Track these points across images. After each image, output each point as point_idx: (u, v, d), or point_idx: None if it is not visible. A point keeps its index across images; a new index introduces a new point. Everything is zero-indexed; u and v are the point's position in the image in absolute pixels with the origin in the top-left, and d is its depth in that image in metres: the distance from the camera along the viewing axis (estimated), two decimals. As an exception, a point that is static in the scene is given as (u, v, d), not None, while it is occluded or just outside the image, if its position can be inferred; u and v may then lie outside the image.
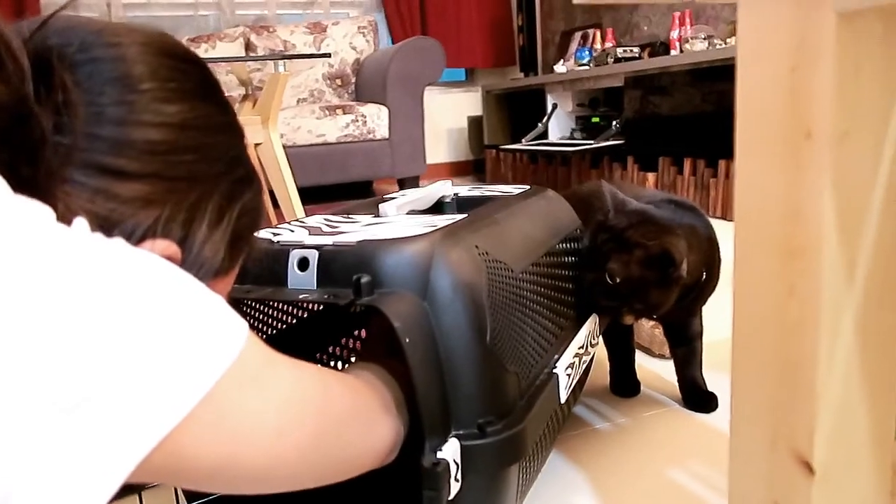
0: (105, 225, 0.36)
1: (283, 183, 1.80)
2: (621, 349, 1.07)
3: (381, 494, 0.74)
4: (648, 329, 1.19)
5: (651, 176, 2.76)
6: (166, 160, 0.39)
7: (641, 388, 1.06)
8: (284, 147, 2.53)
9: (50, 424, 0.27)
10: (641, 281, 0.83)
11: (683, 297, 0.88)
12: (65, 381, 0.28)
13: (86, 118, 0.36)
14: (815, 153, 0.37)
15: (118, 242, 0.33)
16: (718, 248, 0.93)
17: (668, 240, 0.82)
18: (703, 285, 0.91)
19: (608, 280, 0.83)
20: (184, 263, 0.40)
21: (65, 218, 0.31)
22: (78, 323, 0.29)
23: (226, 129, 0.45)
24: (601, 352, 1.06)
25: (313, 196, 3.01)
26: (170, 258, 0.39)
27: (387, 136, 3.17)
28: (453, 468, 0.55)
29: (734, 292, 0.43)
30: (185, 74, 0.42)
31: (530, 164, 3.57)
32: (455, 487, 0.56)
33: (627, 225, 0.85)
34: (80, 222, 0.32)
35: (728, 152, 2.49)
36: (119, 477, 0.29)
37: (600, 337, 0.92)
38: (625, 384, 1.06)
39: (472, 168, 4.33)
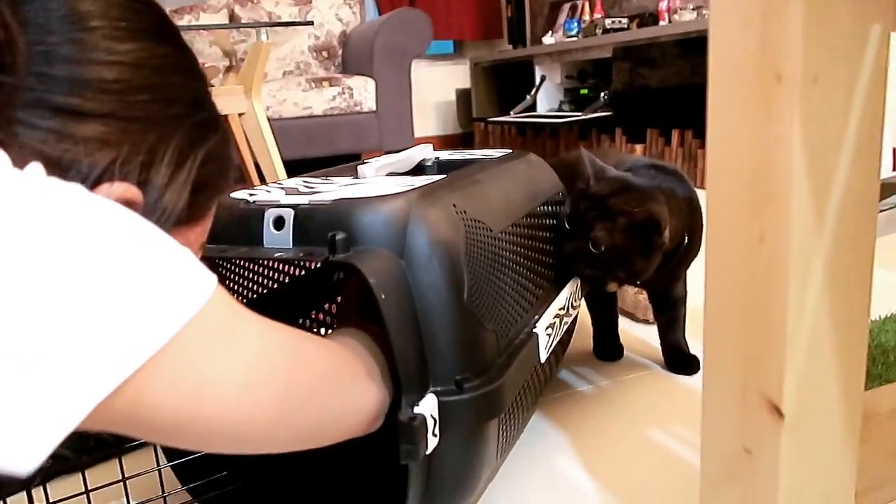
0: (59, 167, 0.35)
1: (268, 153, 1.79)
2: (605, 314, 1.08)
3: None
4: (633, 295, 1.20)
5: (639, 147, 2.75)
6: (121, 100, 0.38)
7: (625, 351, 1.07)
8: (270, 120, 2.50)
9: (3, 366, 0.27)
10: (625, 249, 0.83)
11: (666, 263, 0.88)
12: (20, 324, 0.27)
13: (35, 57, 0.35)
14: (785, 96, 0.37)
15: (75, 187, 0.32)
16: (700, 212, 0.93)
17: (652, 207, 0.82)
18: (686, 250, 0.91)
19: (592, 249, 0.83)
20: (145, 207, 0.40)
21: (15, 162, 0.31)
22: (33, 267, 0.28)
23: (183, 70, 0.44)
24: (585, 316, 1.06)
25: (300, 169, 2.97)
26: (129, 202, 0.38)
27: (374, 108, 3.14)
28: (430, 423, 0.55)
29: (707, 241, 0.43)
30: (138, 14, 0.41)
31: (519, 137, 3.55)
32: (433, 442, 0.56)
33: (609, 192, 0.84)
34: (35, 167, 0.32)
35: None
36: (73, 417, 0.29)
37: (582, 299, 0.92)
38: (608, 348, 1.07)
39: (460, 141, 4.31)
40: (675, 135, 2.57)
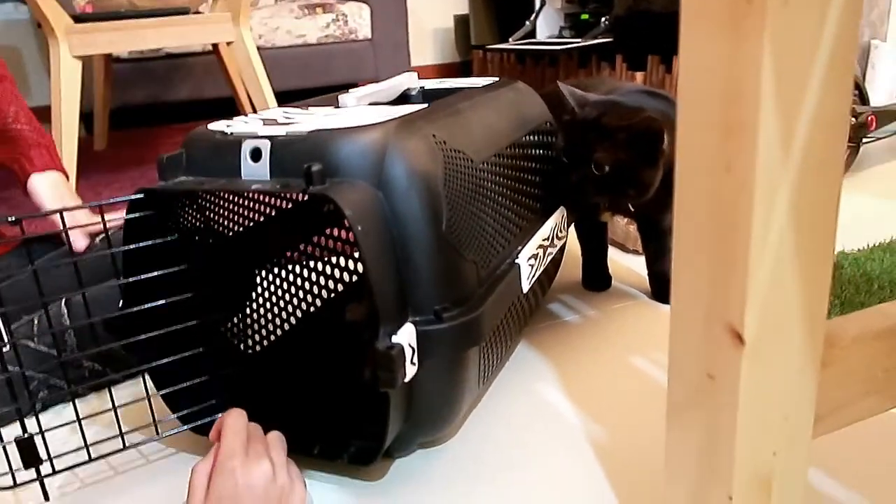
0: None
1: (259, 84, 1.75)
2: (595, 244, 1.08)
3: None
4: (623, 225, 1.20)
5: (639, 75, 2.69)
6: None
7: (613, 282, 1.08)
8: (262, 49, 2.44)
9: None
10: (630, 163, 0.81)
11: (661, 184, 0.87)
12: None
13: None
14: (755, 19, 0.36)
15: None
16: None
17: (647, 115, 0.81)
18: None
19: (595, 172, 0.82)
20: None
21: None
22: None
23: None
24: (574, 247, 1.07)
25: (294, 101, 2.94)
26: None
27: (369, 36, 3.07)
28: (408, 352, 0.56)
29: (677, 170, 0.43)
30: None
31: (518, 65, 3.47)
32: (411, 371, 0.57)
33: (599, 115, 0.83)
34: None
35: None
36: None
37: (568, 230, 0.93)
38: (596, 278, 1.08)
39: (458, 70, 4.22)
40: (675, 62, 2.51)
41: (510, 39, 3.26)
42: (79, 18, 1.62)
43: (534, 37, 3.27)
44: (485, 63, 3.75)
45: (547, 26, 3.28)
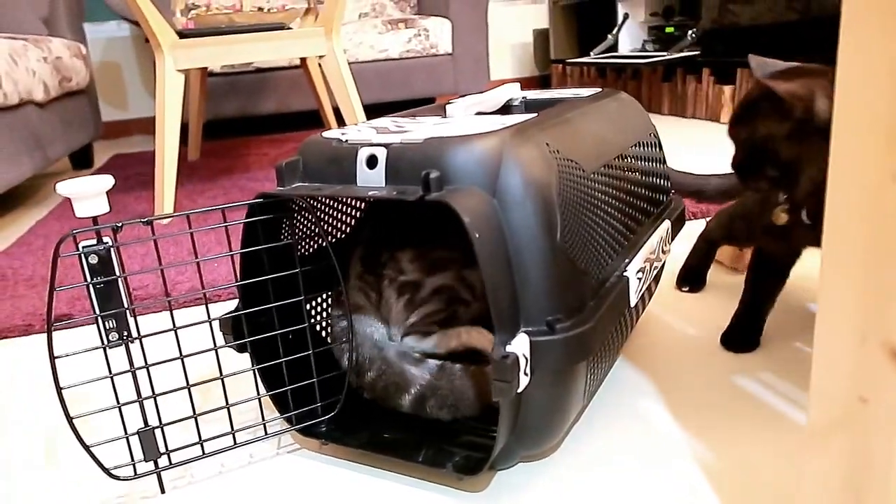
0: None
1: (348, 97, 1.79)
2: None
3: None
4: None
5: (728, 88, 2.61)
6: None
7: (714, 302, 1.04)
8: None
9: None
10: (767, 136, 0.71)
11: None
12: None
13: None
14: (934, 18, 0.33)
15: None
16: None
17: (784, 78, 0.68)
18: None
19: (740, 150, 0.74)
20: None
21: None
22: None
23: None
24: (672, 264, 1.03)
25: (375, 113, 3.00)
26: None
27: (450, 50, 3.10)
28: (522, 362, 0.55)
29: (830, 177, 0.41)
30: None
31: (599, 79, 3.44)
32: (524, 381, 0.56)
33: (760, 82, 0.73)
34: None
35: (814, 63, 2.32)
36: None
37: (672, 244, 0.90)
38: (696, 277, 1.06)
39: (537, 84, 4.21)
40: (768, 75, 2.43)
41: (591, 53, 3.23)
42: (182, 35, 1.70)
43: (615, 50, 3.23)
44: (564, 77, 3.72)
45: (630, 40, 3.24)
